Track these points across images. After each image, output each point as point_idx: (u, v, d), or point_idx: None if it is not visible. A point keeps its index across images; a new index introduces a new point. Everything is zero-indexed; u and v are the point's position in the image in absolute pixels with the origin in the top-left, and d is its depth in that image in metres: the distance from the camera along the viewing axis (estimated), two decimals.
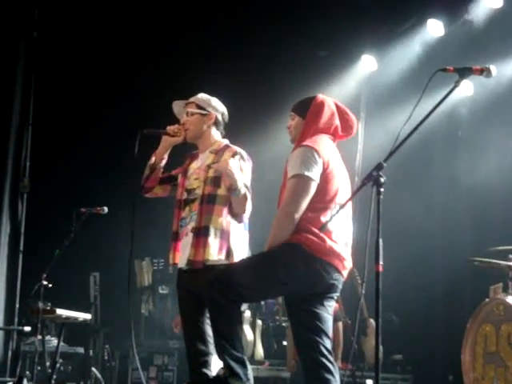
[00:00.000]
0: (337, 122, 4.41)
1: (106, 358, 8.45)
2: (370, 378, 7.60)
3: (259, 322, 8.47)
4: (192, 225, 4.59)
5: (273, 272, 4.12)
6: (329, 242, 4.12)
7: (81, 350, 7.96)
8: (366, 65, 9.14)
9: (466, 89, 8.56)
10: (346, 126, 4.46)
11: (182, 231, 4.65)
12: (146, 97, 9.45)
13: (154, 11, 9.04)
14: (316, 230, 4.10)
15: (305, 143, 4.28)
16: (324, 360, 4.11)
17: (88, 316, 7.17)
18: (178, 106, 4.92)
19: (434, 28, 8.45)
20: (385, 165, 3.64)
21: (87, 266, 8.60)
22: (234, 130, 4.94)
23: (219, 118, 4.84)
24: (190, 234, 4.58)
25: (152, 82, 9.45)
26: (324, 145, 4.29)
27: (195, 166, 4.78)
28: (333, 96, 4.62)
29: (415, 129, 3.85)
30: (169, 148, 4.84)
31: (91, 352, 8.04)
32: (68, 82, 9.43)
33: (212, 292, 4.12)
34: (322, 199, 4.18)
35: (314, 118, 4.38)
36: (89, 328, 7.82)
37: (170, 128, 4.76)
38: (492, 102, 8.44)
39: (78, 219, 6.62)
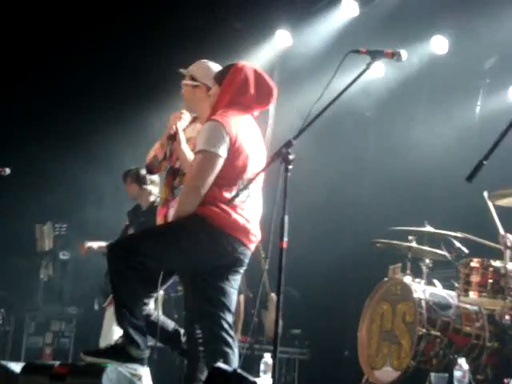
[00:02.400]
0: (251, 91, 4.33)
1: (1, 322, 8.28)
2: (268, 351, 7.67)
3: (161, 292, 8.42)
4: None
5: (176, 243, 4.10)
6: (234, 216, 4.13)
7: None
8: (281, 40, 9.13)
9: (378, 71, 8.68)
10: (262, 94, 4.37)
11: (174, 199, 4.52)
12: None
13: None
14: (221, 204, 4.10)
15: (214, 117, 4.23)
16: (224, 334, 4.14)
17: None
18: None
19: (349, 7, 8.51)
20: (294, 142, 3.66)
21: None
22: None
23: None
24: None
25: None
26: (233, 119, 4.24)
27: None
28: None
29: (325, 108, 3.88)
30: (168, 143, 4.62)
31: None
32: None
33: (112, 258, 4.07)
34: (229, 175, 4.17)
35: (227, 87, 4.32)
36: None
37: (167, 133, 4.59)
38: (400, 85, 8.61)
39: None
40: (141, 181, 6.51)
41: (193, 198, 4.12)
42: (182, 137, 4.50)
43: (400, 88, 8.65)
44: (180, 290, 8.55)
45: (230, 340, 4.14)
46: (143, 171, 6.41)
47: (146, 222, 6.25)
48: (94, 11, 8.89)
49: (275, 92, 4.43)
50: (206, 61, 4.73)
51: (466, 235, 6.39)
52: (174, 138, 4.53)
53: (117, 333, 6.10)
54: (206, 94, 4.57)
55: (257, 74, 4.37)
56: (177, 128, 4.50)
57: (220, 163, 4.13)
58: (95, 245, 6.59)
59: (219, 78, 4.39)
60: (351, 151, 9.40)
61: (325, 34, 8.78)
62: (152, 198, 6.51)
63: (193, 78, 4.66)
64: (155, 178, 6.46)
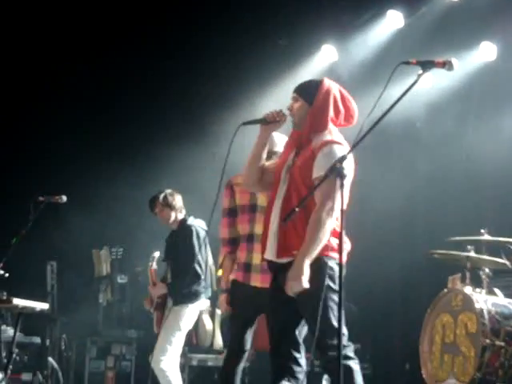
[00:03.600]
0: (342, 109, 4.29)
1: (63, 347, 8.38)
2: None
3: (218, 311, 8.44)
4: None
5: None
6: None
7: (37, 339, 7.89)
8: (327, 55, 9.14)
9: (426, 80, 8.62)
10: (348, 114, 4.32)
11: None
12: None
13: None
14: None
15: (336, 140, 4.18)
16: None
17: (45, 306, 7.08)
18: None
19: (394, 19, 8.49)
20: (348, 157, 3.65)
21: (44, 255, 8.52)
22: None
23: None
24: None
25: None
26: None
27: None
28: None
29: (378, 121, 3.86)
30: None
31: (48, 341, 7.97)
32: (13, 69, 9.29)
33: None
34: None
35: (324, 105, 4.24)
36: (45, 317, 7.75)
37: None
38: (449, 94, 8.54)
39: (35, 208, 6.52)
40: (171, 203, 6.41)
41: (330, 221, 4.03)
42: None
43: (450, 97, 8.57)
44: None
45: None
46: (167, 193, 6.42)
47: (180, 241, 6.29)
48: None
49: (357, 113, 4.38)
50: None
51: None
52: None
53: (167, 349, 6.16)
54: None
55: (342, 94, 4.34)
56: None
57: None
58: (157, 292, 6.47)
59: (308, 93, 4.29)
60: (403, 163, 9.33)
61: (370, 47, 8.77)
62: (181, 216, 6.45)
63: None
64: (178, 195, 6.46)
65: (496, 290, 6.50)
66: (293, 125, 4.33)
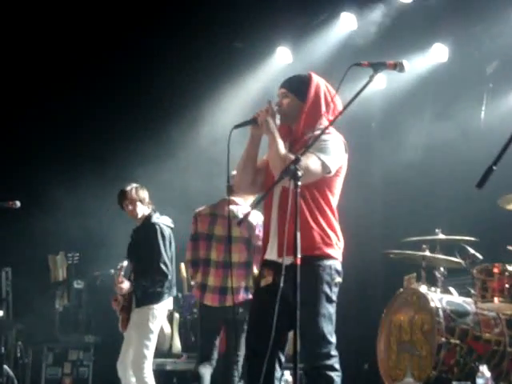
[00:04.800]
0: (331, 104, 4.28)
1: (19, 354, 8.27)
2: (287, 368, 7.64)
3: (176, 315, 8.42)
4: None
5: None
6: None
7: None
8: (282, 57, 9.17)
9: (380, 82, 8.70)
10: (335, 109, 4.32)
11: None
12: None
13: None
14: None
15: (335, 132, 4.21)
16: None
17: (0, 313, 7.00)
18: None
19: (347, 21, 8.55)
20: (302, 158, 3.66)
21: None
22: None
23: None
24: None
25: None
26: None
27: None
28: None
29: (331, 122, 3.91)
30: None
31: (3, 349, 7.85)
32: None
33: None
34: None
35: (316, 101, 4.23)
36: (0, 324, 7.63)
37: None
38: (403, 95, 8.63)
39: None
40: (140, 197, 6.32)
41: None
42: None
43: (404, 98, 8.67)
44: (196, 313, 8.56)
45: None
46: (134, 186, 6.36)
47: (144, 239, 6.24)
48: (93, 41, 8.98)
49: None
50: None
51: None
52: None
53: (131, 355, 6.11)
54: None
55: (329, 89, 4.33)
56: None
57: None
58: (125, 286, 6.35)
59: (299, 89, 4.29)
60: (358, 163, 9.35)
61: (324, 49, 8.82)
62: (146, 212, 6.35)
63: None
64: (144, 190, 6.40)
65: (451, 289, 6.58)
66: (282, 120, 4.25)
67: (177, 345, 8.29)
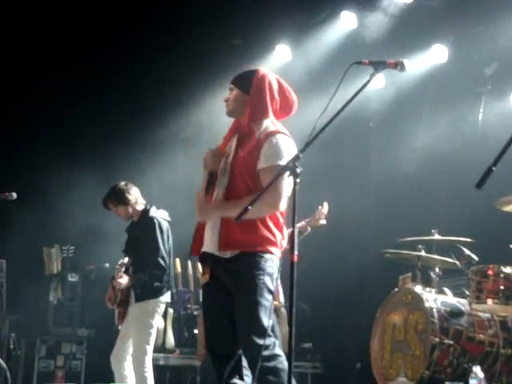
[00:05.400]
0: (277, 97, 4.29)
1: (12, 346, 8.27)
2: None
3: (170, 310, 8.41)
4: None
5: None
6: None
7: None
8: (281, 55, 9.17)
9: (378, 82, 8.70)
10: (285, 104, 4.33)
11: None
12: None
13: None
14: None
15: (281, 130, 4.19)
16: None
17: None
18: None
19: (347, 20, 8.55)
20: (301, 155, 3.66)
21: None
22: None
23: None
24: None
25: None
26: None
27: None
28: None
29: (331, 121, 3.88)
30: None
31: None
32: None
33: None
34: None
35: (259, 92, 4.24)
36: None
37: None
38: (402, 95, 8.63)
39: None
40: (125, 199, 6.28)
41: (269, 211, 4.06)
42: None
43: (402, 98, 8.68)
44: (189, 308, 8.56)
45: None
46: (119, 188, 6.30)
47: (142, 234, 6.22)
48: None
49: (296, 104, 4.41)
50: None
51: None
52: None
53: (127, 351, 6.10)
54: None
55: (280, 83, 4.34)
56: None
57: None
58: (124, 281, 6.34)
59: (244, 83, 4.31)
60: (355, 163, 9.40)
61: (324, 48, 8.82)
62: (141, 207, 6.33)
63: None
64: (132, 188, 6.35)
65: (446, 290, 6.59)
66: (227, 113, 4.33)
67: (170, 340, 8.30)
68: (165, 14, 9.00)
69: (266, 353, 3.96)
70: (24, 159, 9.12)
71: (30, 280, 9.00)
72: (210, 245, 4.17)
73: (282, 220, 4.18)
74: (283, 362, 4.00)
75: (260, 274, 4.04)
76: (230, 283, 4.10)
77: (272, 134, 4.15)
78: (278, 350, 4.04)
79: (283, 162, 4.03)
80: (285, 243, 4.21)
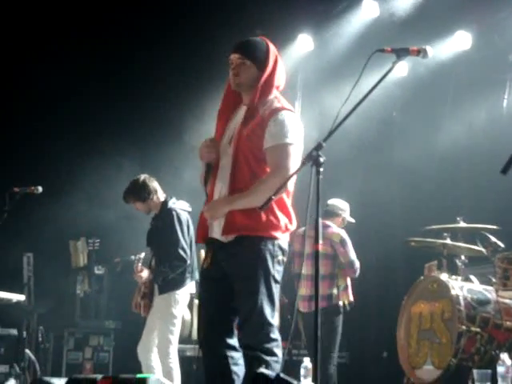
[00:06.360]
0: (281, 72, 4.19)
1: (40, 339, 8.34)
2: (306, 355, 7.67)
3: (196, 301, 8.43)
4: None
5: None
6: None
7: (14, 331, 7.82)
8: (303, 44, 9.14)
9: (401, 70, 8.66)
10: (284, 77, 4.23)
11: None
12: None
13: None
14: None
15: (286, 106, 4.09)
16: None
17: (22, 297, 7.06)
18: None
19: (370, 8, 8.50)
20: (324, 144, 3.64)
21: (20, 246, 8.46)
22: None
23: None
24: None
25: None
26: None
27: None
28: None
29: (354, 109, 3.85)
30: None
31: (25, 333, 7.91)
32: None
33: None
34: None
35: (274, 71, 4.11)
36: (22, 309, 7.69)
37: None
38: (425, 83, 8.58)
39: (11, 199, 6.48)
40: (143, 196, 6.31)
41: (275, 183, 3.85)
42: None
43: (426, 86, 8.63)
44: None
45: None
46: (138, 183, 6.32)
47: (162, 226, 6.23)
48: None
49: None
50: None
51: None
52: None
53: (153, 342, 6.14)
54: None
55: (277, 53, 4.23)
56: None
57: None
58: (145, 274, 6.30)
59: (257, 57, 4.11)
60: (378, 152, 9.37)
61: (346, 36, 8.78)
62: (161, 199, 6.32)
63: None
64: (151, 182, 6.37)
65: (472, 277, 6.56)
66: (235, 86, 4.15)
67: (196, 331, 8.32)
68: (185, 5, 9.01)
69: (263, 345, 3.90)
70: (50, 153, 9.18)
71: (57, 273, 9.06)
72: (215, 230, 4.08)
73: (288, 202, 4.09)
74: (279, 361, 3.92)
75: (260, 260, 3.94)
76: (230, 270, 4.00)
77: (278, 110, 4.04)
78: (276, 348, 3.94)
79: (290, 140, 3.99)
80: (292, 226, 4.11)
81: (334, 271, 6.85)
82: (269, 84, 4.11)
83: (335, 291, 6.81)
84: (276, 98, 4.14)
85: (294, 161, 3.97)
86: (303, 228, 6.33)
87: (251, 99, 4.10)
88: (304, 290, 6.79)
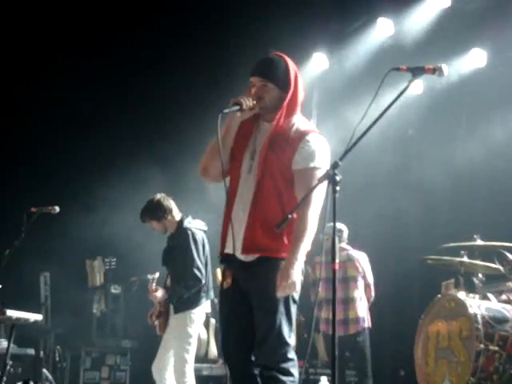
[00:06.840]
0: (302, 92, 4.19)
1: (57, 358, 8.36)
2: (323, 374, 7.64)
3: (213, 320, 8.45)
4: None
5: None
6: None
7: (31, 351, 7.85)
8: (318, 63, 9.18)
9: (416, 87, 8.67)
10: (303, 97, 4.22)
11: None
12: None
13: None
14: None
15: (316, 130, 4.11)
16: None
17: (39, 317, 7.06)
18: None
19: (384, 27, 8.53)
20: (340, 163, 3.64)
21: (37, 266, 8.50)
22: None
23: None
24: None
25: None
26: None
27: None
28: None
29: (369, 127, 3.85)
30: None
31: (42, 353, 7.94)
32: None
33: None
34: None
35: (297, 90, 4.12)
36: (39, 329, 7.72)
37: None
38: (440, 101, 8.58)
39: (28, 218, 6.50)
40: (157, 215, 6.29)
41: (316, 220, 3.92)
42: None
43: (441, 103, 8.63)
44: None
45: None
46: (153, 203, 6.31)
47: (177, 245, 6.23)
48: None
49: None
50: None
51: None
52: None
53: (168, 361, 6.13)
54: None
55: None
56: None
57: None
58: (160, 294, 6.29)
59: (281, 80, 4.10)
60: (395, 169, 9.36)
61: (361, 55, 8.81)
62: (177, 218, 6.31)
63: None
64: (166, 201, 6.34)
65: (489, 295, 6.51)
66: (260, 110, 4.11)
67: (213, 350, 8.32)
68: (202, 23, 9.07)
69: (280, 364, 3.89)
70: (67, 173, 9.24)
71: (74, 292, 9.09)
72: (233, 247, 4.01)
73: None
74: (295, 381, 3.91)
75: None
76: (249, 289, 3.98)
77: (307, 133, 4.05)
78: (292, 368, 3.92)
79: (319, 165, 3.99)
80: (309, 247, 4.06)
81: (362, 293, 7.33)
82: (293, 103, 4.13)
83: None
84: (301, 118, 4.15)
85: (321, 185, 3.91)
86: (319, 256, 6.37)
87: (277, 118, 4.10)
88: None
